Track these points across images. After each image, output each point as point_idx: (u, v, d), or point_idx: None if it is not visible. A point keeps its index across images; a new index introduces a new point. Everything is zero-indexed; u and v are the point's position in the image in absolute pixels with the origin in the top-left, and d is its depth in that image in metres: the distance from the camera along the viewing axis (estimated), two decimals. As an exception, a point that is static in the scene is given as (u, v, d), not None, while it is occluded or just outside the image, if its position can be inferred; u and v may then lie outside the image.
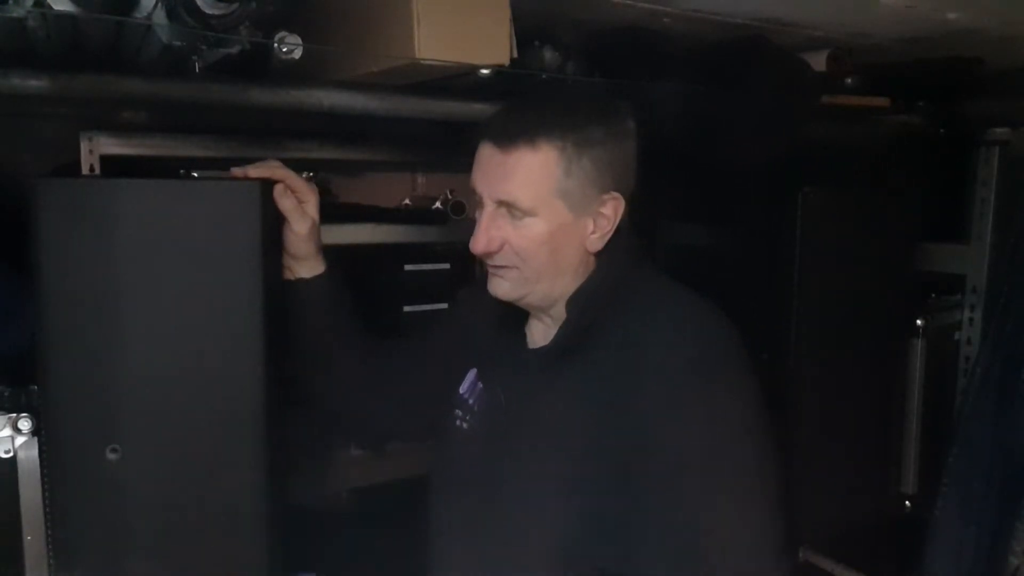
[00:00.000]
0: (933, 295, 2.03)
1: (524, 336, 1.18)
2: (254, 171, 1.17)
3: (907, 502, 1.94)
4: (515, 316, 1.17)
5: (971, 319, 1.99)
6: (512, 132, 1.04)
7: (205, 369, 1.07)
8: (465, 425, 1.20)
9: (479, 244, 1.08)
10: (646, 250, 1.17)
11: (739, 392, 1.06)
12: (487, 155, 1.06)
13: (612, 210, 1.07)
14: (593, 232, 1.08)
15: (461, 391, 1.23)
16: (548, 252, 1.07)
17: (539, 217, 1.05)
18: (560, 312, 1.12)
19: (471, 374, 1.22)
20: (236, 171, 1.19)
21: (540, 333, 1.16)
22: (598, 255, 1.11)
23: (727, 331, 1.08)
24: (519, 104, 1.11)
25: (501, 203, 1.06)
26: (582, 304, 1.10)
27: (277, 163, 1.19)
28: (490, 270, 1.12)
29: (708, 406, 1.03)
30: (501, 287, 1.11)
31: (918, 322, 1.90)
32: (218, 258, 1.07)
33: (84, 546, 1.07)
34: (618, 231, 1.10)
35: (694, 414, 1.02)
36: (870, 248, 1.71)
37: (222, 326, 1.08)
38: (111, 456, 1.03)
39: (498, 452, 1.12)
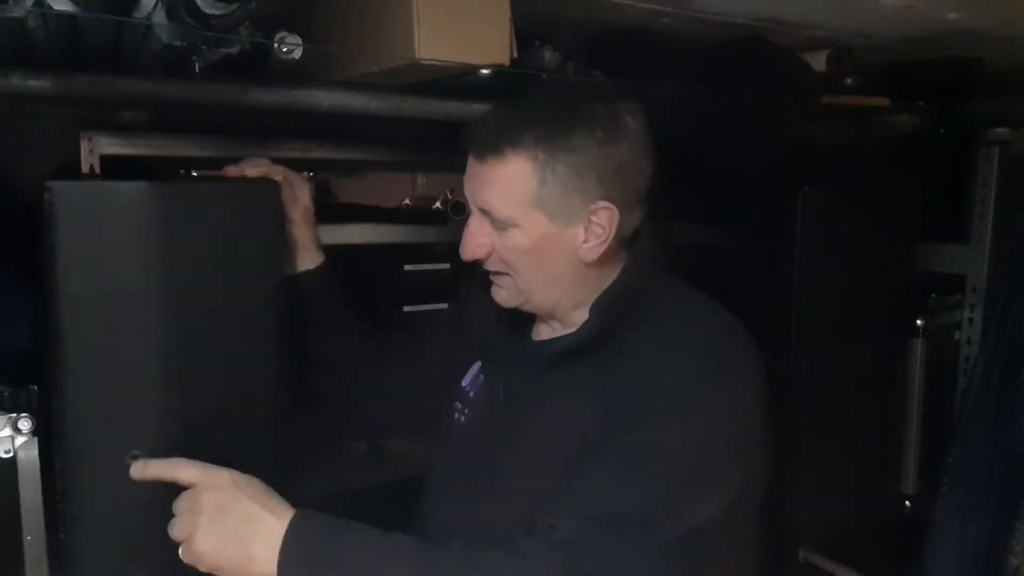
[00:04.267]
0: (933, 295, 2.03)
1: (530, 331, 1.18)
2: (251, 170, 1.20)
3: (907, 502, 1.94)
4: (522, 313, 1.16)
5: (971, 319, 1.99)
6: (484, 142, 1.03)
7: (221, 368, 1.08)
8: (463, 418, 1.20)
9: (466, 250, 1.08)
10: (670, 255, 1.14)
11: (714, 413, 0.99)
12: (469, 163, 1.06)
13: (606, 220, 1.02)
14: (586, 242, 1.04)
15: (464, 383, 1.22)
16: (533, 261, 1.05)
17: (519, 228, 1.03)
18: (566, 317, 1.11)
19: (475, 367, 1.22)
20: (231, 169, 1.21)
21: (547, 332, 1.16)
22: (625, 260, 1.09)
23: (729, 357, 1.04)
24: (498, 109, 1.08)
25: (483, 211, 1.06)
26: (603, 311, 1.07)
27: (267, 160, 1.22)
28: (490, 276, 1.11)
29: (670, 417, 0.98)
30: (500, 294, 1.11)
31: (918, 322, 1.90)
32: (236, 259, 1.08)
33: (96, 552, 1.07)
34: (641, 236, 1.09)
35: (652, 415, 0.98)
36: (870, 248, 1.71)
37: (240, 327, 1.09)
38: (130, 461, 1.01)
39: (493, 445, 1.11)
